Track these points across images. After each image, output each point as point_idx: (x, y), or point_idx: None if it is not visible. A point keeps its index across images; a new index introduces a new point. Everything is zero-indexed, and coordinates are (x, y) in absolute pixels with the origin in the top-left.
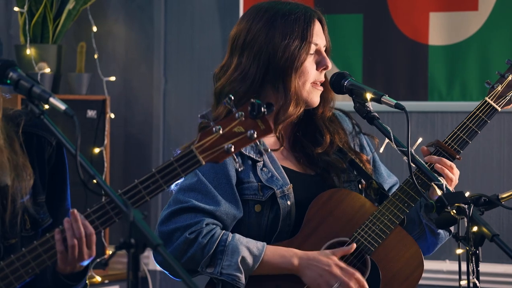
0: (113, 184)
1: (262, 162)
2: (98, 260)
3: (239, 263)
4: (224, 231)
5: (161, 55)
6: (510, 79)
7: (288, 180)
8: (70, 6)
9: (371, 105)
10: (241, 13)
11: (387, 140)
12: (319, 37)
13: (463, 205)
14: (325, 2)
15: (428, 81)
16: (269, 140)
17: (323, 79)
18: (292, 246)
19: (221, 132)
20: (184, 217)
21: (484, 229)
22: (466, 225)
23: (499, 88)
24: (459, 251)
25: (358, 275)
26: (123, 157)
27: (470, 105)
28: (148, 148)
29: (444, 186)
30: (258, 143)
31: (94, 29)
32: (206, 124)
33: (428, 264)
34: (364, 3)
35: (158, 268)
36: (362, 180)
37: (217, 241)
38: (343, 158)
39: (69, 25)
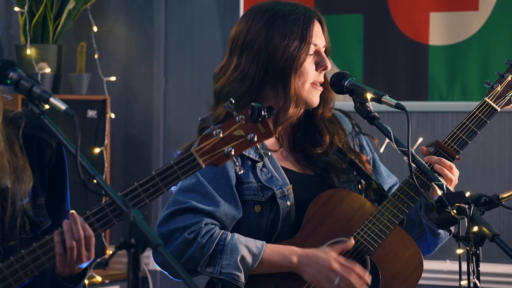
0: (113, 184)
1: (261, 162)
2: (98, 260)
3: (239, 262)
4: (223, 230)
5: (161, 55)
6: (510, 79)
7: (287, 180)
8: (70, 6)
9: (371, 105)
10: (241, 13)
11: (387, 140)
12: (318, 38)
13: (463, 205)
14: (325, 2)
15: (428, 81)
16: (269, 141)
17: (322, 79)
18: None
19: (221, 135)
20: (183, 217)
21: (485, 229)
22: (466, 225)
23: (498, 88)
24: (459, 251)
25: (358, 268)
26: (124, 157)
27: (471, 105)
28: (148, 148)
29: (444, 186)
30: (259, 146)
31: (95, 29)
32: (206, 125)
33: (428, 264)
34: (364, 3)
35: (159, 268)
36: (362, 181)
37: (216, 241)
38: (342, 158)
39: (69, 25)
